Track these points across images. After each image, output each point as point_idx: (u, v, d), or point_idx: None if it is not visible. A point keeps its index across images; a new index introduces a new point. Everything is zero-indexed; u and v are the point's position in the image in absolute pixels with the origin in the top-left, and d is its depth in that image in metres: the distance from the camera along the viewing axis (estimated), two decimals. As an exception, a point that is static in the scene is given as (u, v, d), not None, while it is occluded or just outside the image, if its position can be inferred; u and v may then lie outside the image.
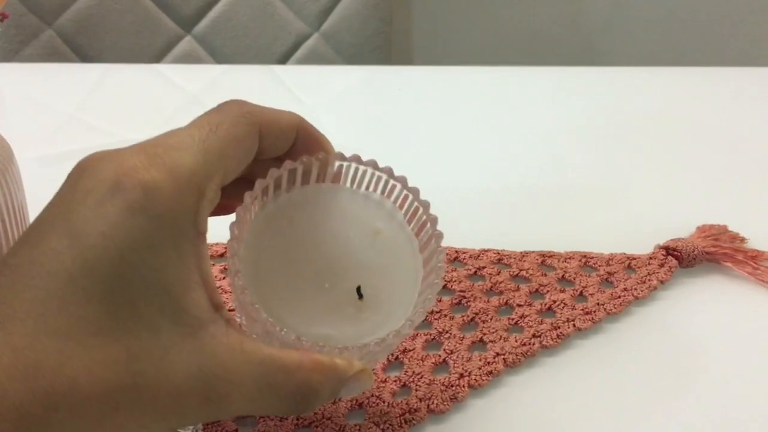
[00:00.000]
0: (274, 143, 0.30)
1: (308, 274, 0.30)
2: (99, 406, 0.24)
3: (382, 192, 0.32)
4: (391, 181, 0.31)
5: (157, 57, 0.99)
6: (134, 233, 0.24)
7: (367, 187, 0.32)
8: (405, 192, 0.31)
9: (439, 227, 0.31)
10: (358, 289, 0.30)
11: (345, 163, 0.31)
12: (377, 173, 0.31)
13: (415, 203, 0.31)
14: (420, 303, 0.30)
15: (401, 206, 0.32)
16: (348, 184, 0.32)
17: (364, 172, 0.31)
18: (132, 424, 0.24)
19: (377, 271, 0.31)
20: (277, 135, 0.29)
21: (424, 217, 0.31)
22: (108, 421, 0.24)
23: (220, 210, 0.30)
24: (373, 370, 0.38)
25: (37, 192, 0.33)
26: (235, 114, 0.28)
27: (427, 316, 0.41)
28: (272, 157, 0.31)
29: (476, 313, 0.41)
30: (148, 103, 0.62)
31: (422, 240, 0.31)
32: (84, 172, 0.26)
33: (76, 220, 0.24)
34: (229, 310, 0.30)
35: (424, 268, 0.31)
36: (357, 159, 0.31)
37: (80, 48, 0.98)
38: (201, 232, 0.26)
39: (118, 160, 0.25)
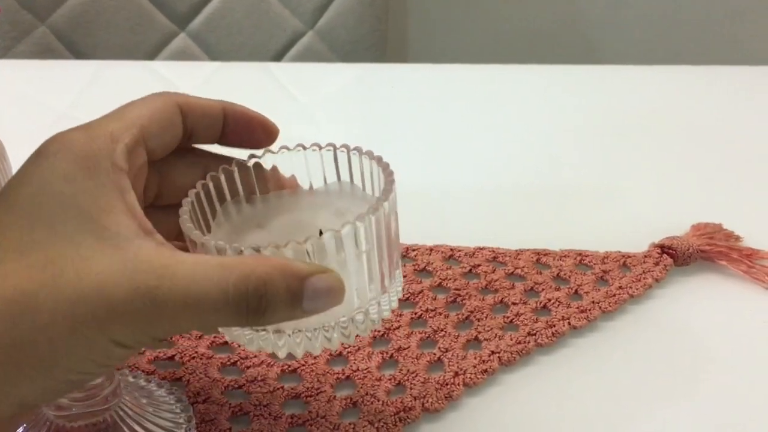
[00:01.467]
0: (201, 122, 0.31)
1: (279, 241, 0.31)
2: (18, 308, 0.24)
3: (338, 177, 0.33)
4: (338, 152, 0.32)
5: (151, 54, 0.99)
6: (47, 171, 0.26)
7: (324, 168, 0.33)
8: (355, 154, 0.32)
9: (392, 168, 0.31)
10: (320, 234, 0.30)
11: (292, 155, 0.33)
12: (322, 152, 0.32)
13: (365, 159, 0.32)
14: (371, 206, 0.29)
15: (356, 173, 0.32)
16: (305, 179, 0.33)
17: (313, 157, 0.33)
18: (64, 330, 0.24)
19: None
20: (202, 113, 0.31)
21: (378, 170, 0.31)
22: (34, 325, 0.24)
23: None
24: (368, 368, 0.38)
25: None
26: (151, 95, 0.31)
27: (421, 314, 0.41)
28: (208, 142, 0.32)
29: (471, 312, 0.41)
30: (142, 100, 0.62)
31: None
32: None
33: (6, 185, 0.27)
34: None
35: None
36: (301, 145, 0.33)
37: (74, 45, 0.97)
38: (120, 167, 0.27)
39: (55, 135, 0.28)
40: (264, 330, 0.29)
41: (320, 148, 0.33)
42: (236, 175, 0.32)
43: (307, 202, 0.33)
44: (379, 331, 0.40)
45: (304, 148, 0.33)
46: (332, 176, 0.33)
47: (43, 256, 0.25)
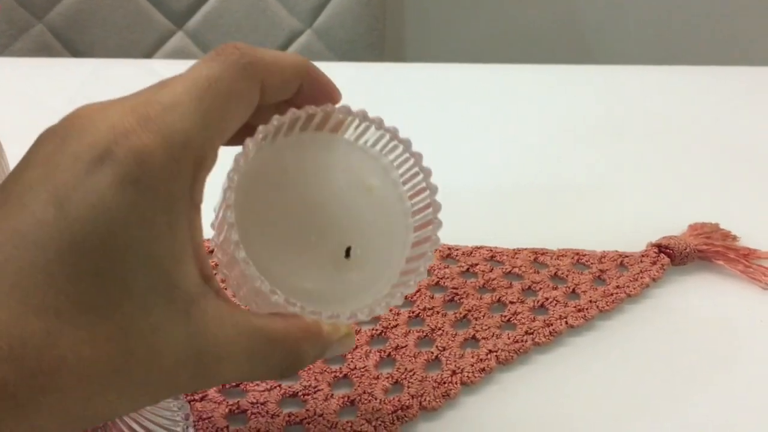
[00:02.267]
0: (276, 92, 0.28)
1: (296, 224, 0.30)
2: (89, 386, 0.23)
3: (382, 149, 0.31)
4: (394, 142, 0.30)
5: (149, 53, 0.99)
6: (126, 208, 0.23)
7: (367, 142, 0.31)
8: (406, 155, 0.30)
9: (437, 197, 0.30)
10: (348, 250, 0.30)
11: (349, 117, 0.30)
12: (381, 132, 0.30)
13: (416, 168, 0.30)
14: (412, 274, 0.29)
15: (399, 166, 0.31)
16: (347, 135, 0.31)
17: (367, 127, 0.30)
18: (122, 401, 0.24)
19: (366, 230, 0.30)
20: (280, 85, 0.28)
21: (423, 184, 0.30)
22: (98, 399, 0.23)
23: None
24: (365, 367, 0.38)
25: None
26: (234, 66, 0.26)
27: (419, 312, 0.41)
28: (273, 103, 0.29)
29: (469, 310, 0.41)
30: (139, 98, 0.62)
31: (417, 205, 0.31)
32: (70, 132, 0.24)
33: (62, 187, 0.23)
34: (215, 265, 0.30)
35: (414, 233, 0.31)
36: (363, 115, 0.30)
37: (71, 43, 0.97)
38: (196, 203, 0.25)
39: (107, 121, 0.24)
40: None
41: (381, 127, 0.30)
42: (290, 115, 0.28)
43: (339, 160, 0.30)
44: (376, 330, 0.40)
45: (366, 118, 0.30)
46: (377, 145, 0.31)
47: (116, 328, 0.23)
